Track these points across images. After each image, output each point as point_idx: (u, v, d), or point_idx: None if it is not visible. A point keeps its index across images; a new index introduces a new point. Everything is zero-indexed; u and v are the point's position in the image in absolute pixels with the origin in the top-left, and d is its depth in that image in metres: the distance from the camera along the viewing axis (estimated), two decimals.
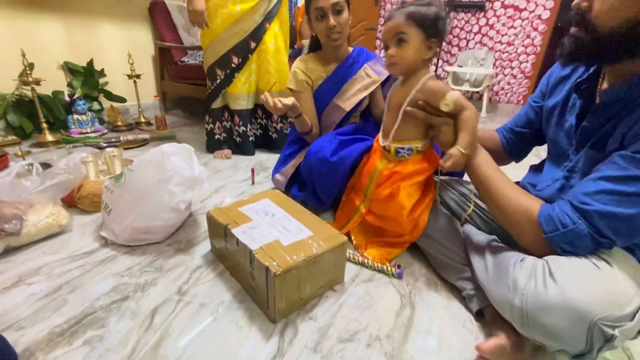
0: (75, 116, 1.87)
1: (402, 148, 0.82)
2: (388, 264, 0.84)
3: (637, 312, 0.47)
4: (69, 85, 2.00)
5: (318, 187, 1.01)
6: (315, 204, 1.07)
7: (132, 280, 0.78)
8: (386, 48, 0.77)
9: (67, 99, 1.86)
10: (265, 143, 1.71)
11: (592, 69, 0.62)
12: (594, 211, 0.52)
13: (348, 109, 1.10)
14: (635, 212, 0.49)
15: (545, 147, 0.78)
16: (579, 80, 0.63)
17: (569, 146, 0.65)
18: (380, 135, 0.89)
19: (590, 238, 0.52)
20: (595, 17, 0.51)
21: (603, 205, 0.51)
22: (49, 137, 1.72)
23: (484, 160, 0.70)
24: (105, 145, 1.71)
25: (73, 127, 1.86)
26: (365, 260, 0.85)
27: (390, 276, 0.82)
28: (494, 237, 0.73)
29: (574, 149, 0.64)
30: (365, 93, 1.10)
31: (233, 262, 0.78)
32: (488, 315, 0.68)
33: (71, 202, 1.06)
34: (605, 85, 0.59)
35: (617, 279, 0.49)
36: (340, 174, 0.96)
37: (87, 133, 1.88)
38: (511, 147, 0.84)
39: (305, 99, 1.12)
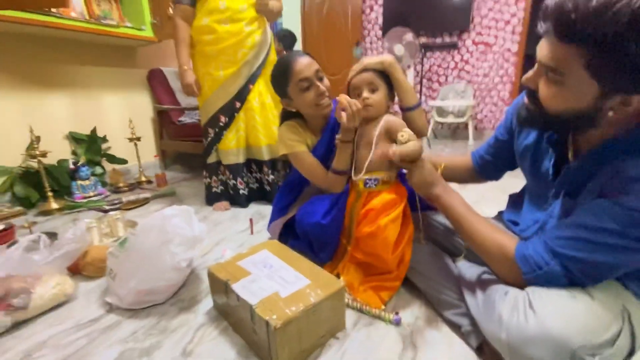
0: (78, 182, 1.94)
1: (370, 179, 0.90)
2: (385, 311, 0.84)
3: (617, 338, 0.49)
4: (74, 153, 2.11)
5: (316, 247, 1.02)
6: (313, 259, 1.00)
7: (137, 346, 0.79)
8: (358, 95, 0.91)
9: (72, 166, 1.96)
10: (261, 195, 1.78)
11: None
12: (566, 255, 0.54)
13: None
14: (606, 260, 0.51)
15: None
16: (550, 133, 0.65)
17: (547, 190, 0.68)
18: (352, 173, 0.95)
19: (564, 277, 0.55)
20: (541, 100, 0.53)
21: (576, 251, 0.53)
22: (54, 205, 1.78)
23: (454, 199, 0.72)
24: (108, 207, 1.76)
25: (77, 192, 1.93)
26: (363, 307, 0.87)
27: (388, 323, 0.83)
28: (485, 269, 0.76)
29: (552, 194, 0.66)
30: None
31: (235, 317, 0.80)
32: (487, 350, 0.69)
33: (77, 269, 1.09)
34: (577, 143, 0.61)
35: (594, 307, 0.51)
36: (336, 234, 0.98)
37: (90, 197, 1.95)
38: (483, 171, 0.90)
39: (307, 156, 1.05)
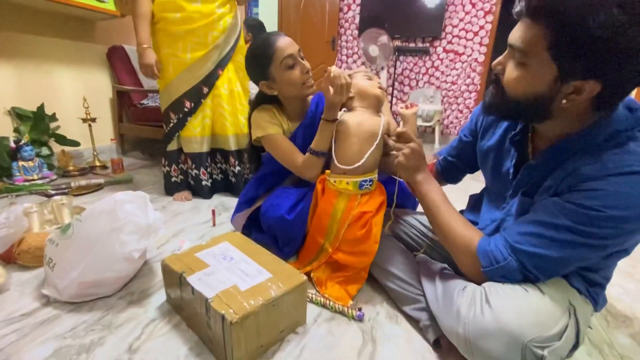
0: (20, 163, 1.76)
1: (365, 180, 0.87)
2: (349, 307, 0.83)
3: (564, 331, 0.52)
4: (16, 130, 1.90)
5: (280, 242, 1.00)
6: (277, 252, 0.97)
7: (76, 342, 0.72)
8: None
9: (13, 145, 1.76)
10: (226, 187, 1.71)
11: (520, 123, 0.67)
12: (523, 251, 0.56)
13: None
14: (560, 256, 0.54)
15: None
16: (512, 133, 0.68)
17: (506, 189, 0.70)
18: (331, 175, 0.91)
19: (519, 272, 0.57)
20: (504, 83, 0.56)
21: (532, 247, 0.55)
22: None
23: (434, 188, 0.74)
24: (53, 192, 1.61)
25: (18, 174, 1.75)
26: (327, 302, 0.85)
27: (351, 319, 0.82)
28: (445, 265, 0.78)
29: (510, 193, 0.69)
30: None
31: (189, 312, 0.75)
32: (444, 344, 0.70)
33: (10, 258, 0.98)
34: (536, 142, 0.65)
35: (545, 301, 0.54)
36: (301, 229, 0.96)
37: (33, 180, 1.77)
38: (445, 173, 0.93)
39: (283, 139, 1.01)
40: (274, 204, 0.98)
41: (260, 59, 0.98)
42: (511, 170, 0.68)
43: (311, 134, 0.97)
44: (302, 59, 0.99)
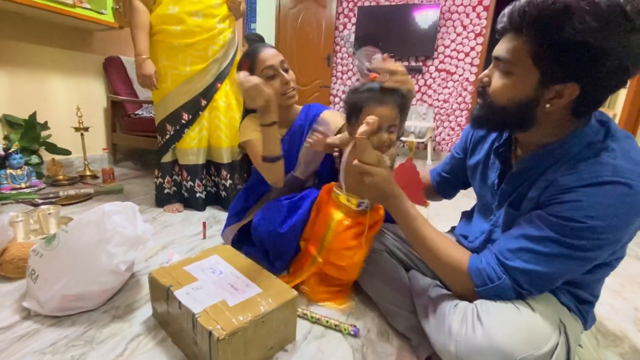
0: (8, 171, 1.72)
1: (363, 202, 0.88)
2: (343, 323, 0.82)
3: (555, 349, 0.51)
4: (6, 138, 1.88)
5: (271, 256, 1.00)
6: (268, 267, 0.94)
7: (56, 358, 0.69)
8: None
9: (2, 152, 1.73)
10: (216, 200, 1.70)
11: (505, 134, 0.70)
12: (515, 268, 0.56)
13: (307, 178, 1.10)
14: (550, 270, 0.55)
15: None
16: (496, 144, 0.70)
17: (493, 201, 0.72)
18: (337, 187, 0.92)
19: (513, 290, 0.57)
20: (491, 93, 0.60)
21: (524, 263, 0.56)
22: None
23: (411, 212, 0.70)
24: (40, 201, 1.58)
25: (5, 182, 1.71)
26: (321, 318, 0.84)
27: (347, 334, 0.81)
28: (437, 281, 0.77)
29: (496, 204, 0.70)
30: (320, 159, 1.07)
31: (176, 327, 0.73)
32: None
33: None
34: (518, 152, 0.68)
35: (536, 319, 0.54)
36: (294, 242, 0.96)
37: (20, 188, 1.73)
38: (440, 188, 0.94)
39: (259, 145, 1.00)
40: (265, 217, 0.97)
41: (243, 69, 1.02)
42: (496, 181, 0.70)
43: (299, 141, 1.02)
44: (286, 70, 1.02)
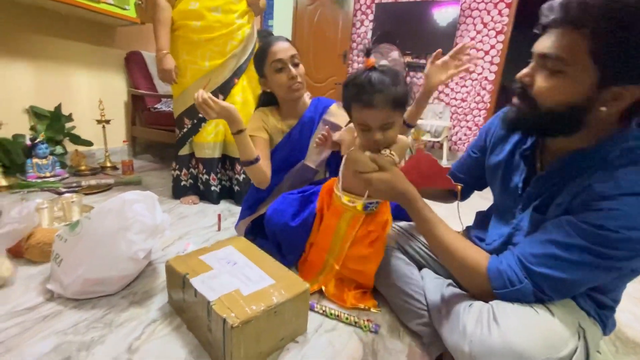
0: (34, 160, 1.80)
1: (371, 202, 0.87)
2: (364, 319, 0.83)
3: (573, 354, 0.50)
4: (32, 129, 1.95)
5: (284, 249, 1.01)
6: (281, 260, 0.95)
7: (77, 339, 0.72)
8: (367, 129, 0.77)
9: (29, 142, 1.81)
10: (230, 194, 1.72)
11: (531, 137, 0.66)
12: (539, 273, 0.54)
13: (318, 167, 1.12)
14: (576, 278, 0.53)
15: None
16: (524, 147, 0.67)
17: (515, 204, 0.69)
18: (340, 191, 0.90)
19: (534, 295, 0.56)
20: (535, 94, 0.54)
21: (548, 269, 0.54)
22: (3, 182, 1.63)
23: (429, 215, 0.69)
24: (64, 190, 1.64)
25: (31, 171, 1.78)
26: (341, 314, 0.84)
27: (367, 331, 0.81)
28: (450, 280, 0.77)
29: (520, 208, 0.67)
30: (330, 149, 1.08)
31: (191, 314, 0.75)
32: None
33: (18, 252, 0.99)
34: (545, 155, 0.64)
35: (555, 323, 0.52)
36: (304, 237, 0.98)
37: (46, 177, 1.80)
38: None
39: (259, 142, 1.06)
40: (277, 210, 0.99)
41: (258, 57, 1.08)
42: (520, 185, 0.67)
43: (309, 132, 1.07)
44: (296, 65, 1.04)
